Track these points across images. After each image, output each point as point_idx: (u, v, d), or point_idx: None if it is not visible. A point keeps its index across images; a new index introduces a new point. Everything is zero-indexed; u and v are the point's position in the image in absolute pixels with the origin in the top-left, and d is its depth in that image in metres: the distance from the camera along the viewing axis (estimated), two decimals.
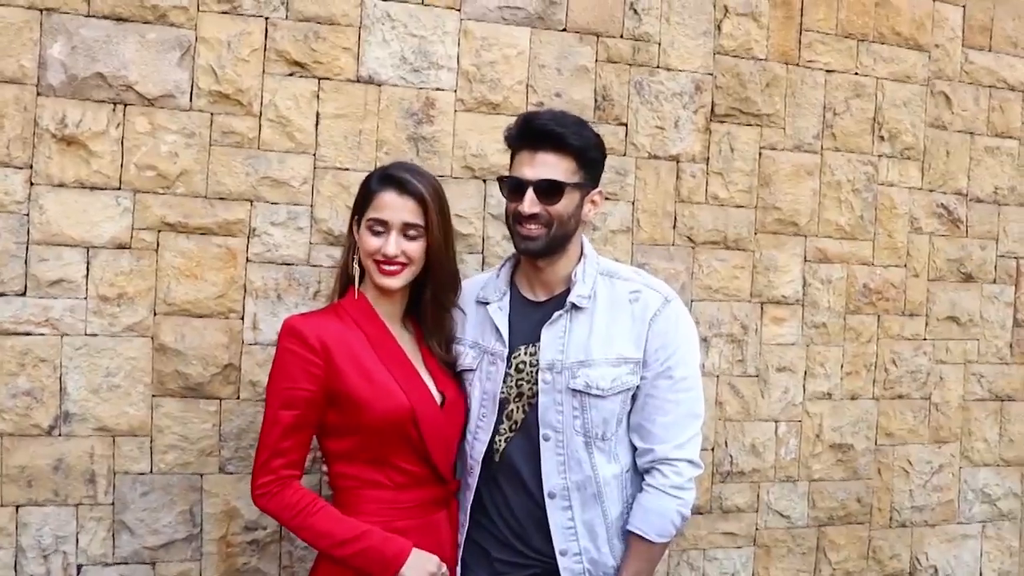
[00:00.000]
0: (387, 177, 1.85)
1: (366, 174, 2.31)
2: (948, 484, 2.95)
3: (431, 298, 1.94)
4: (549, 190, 1.84)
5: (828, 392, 2.78)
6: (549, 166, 1.85)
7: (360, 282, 1.90)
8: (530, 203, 1.84)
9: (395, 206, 1.83)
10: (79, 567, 2.23)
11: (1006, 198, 2.98)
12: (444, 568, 1.84)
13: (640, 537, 1.90)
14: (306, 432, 1.82)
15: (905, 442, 2.89)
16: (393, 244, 1.81)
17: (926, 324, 2.89)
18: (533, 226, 1.86)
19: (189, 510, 2.28)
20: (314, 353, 1.78)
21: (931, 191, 2.89)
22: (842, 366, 2.79)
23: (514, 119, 1.96)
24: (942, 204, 2.90)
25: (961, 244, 2.93)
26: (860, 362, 2.81)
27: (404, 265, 1.84)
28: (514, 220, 1.89)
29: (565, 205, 1.86)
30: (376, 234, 1.83)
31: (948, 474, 2.95)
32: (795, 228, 2.73)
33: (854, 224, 2.79)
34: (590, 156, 1.90)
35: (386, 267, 1.83)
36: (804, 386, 2.75)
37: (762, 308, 2.70)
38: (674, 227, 2.62)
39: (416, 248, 1.84)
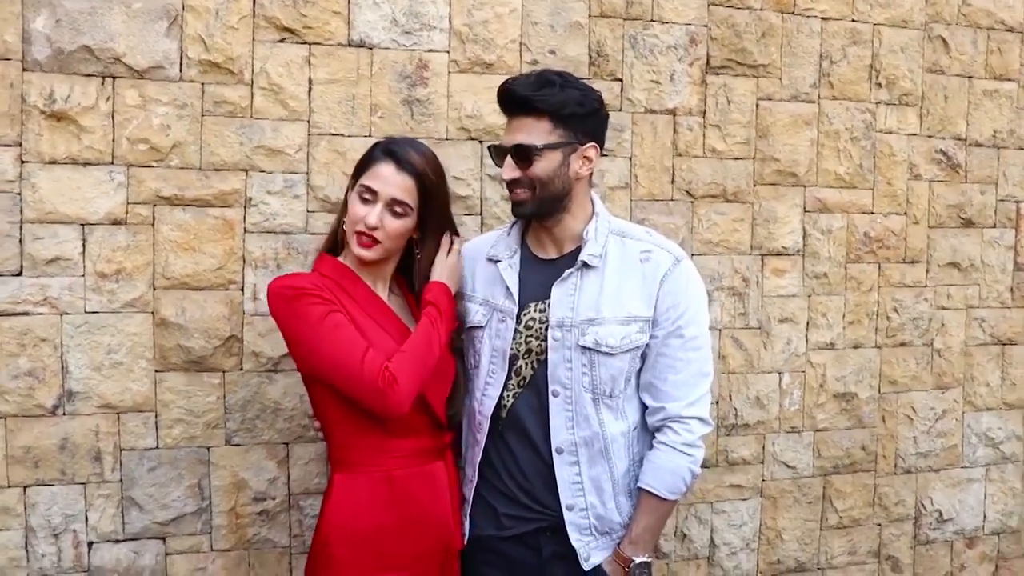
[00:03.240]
0: (389, 150, 1.90)
1: (361, 140, 2.37)
2: (951, 429, 3.03)
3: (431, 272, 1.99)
4: (520, 154, 1.89)
5: (831, 342, 2.85)
6: (523, 131, 1.90)
7: (342, 251, 1.96)
8: (508, 169, 1.91)
9: (389, 179, 1.87)
10: (90, 544, 2.29)
11: (1005, 141, 3.02)
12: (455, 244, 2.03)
13: (651, 494, 1.97)
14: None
15: (908, 389, 2.97)
16: (376, 215, 1.86)
17: (927, 271, 2.95)
18: (519, 190, 1.92)
19: (197, 483, 2.34)
20: (318, 289, 1.84)
21: (930, 137, 2.93)
22: (844, 315, 2.86)
23: (508, 78, 1.99)
24: (941, 150, 2.95)
25: (961, 189, 2.98)
26: (862, 311, 2.88)
27: (379, 241, 1.88)
28: (506, 186, 1.96)
29: (543, 167, 1.90)
30: (364, 202, 1.87)
31: (951, 419, 3.03)
32: (794, 179, 2.77)
33: (853, 173, 2.84)
34: (566, 113, 1.91)
35: (363, 238, 1.87)
36: (807, 337, 2.82)
37: (763, 260, 2.76)
38: (672, 181, 2.66)
39: (398, 226, 1.88)
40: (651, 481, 1.97)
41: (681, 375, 1.95)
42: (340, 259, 1.96)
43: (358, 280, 1.94)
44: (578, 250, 1.97)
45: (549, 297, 1.96)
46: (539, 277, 1.99)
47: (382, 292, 1.99)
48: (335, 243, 1.99)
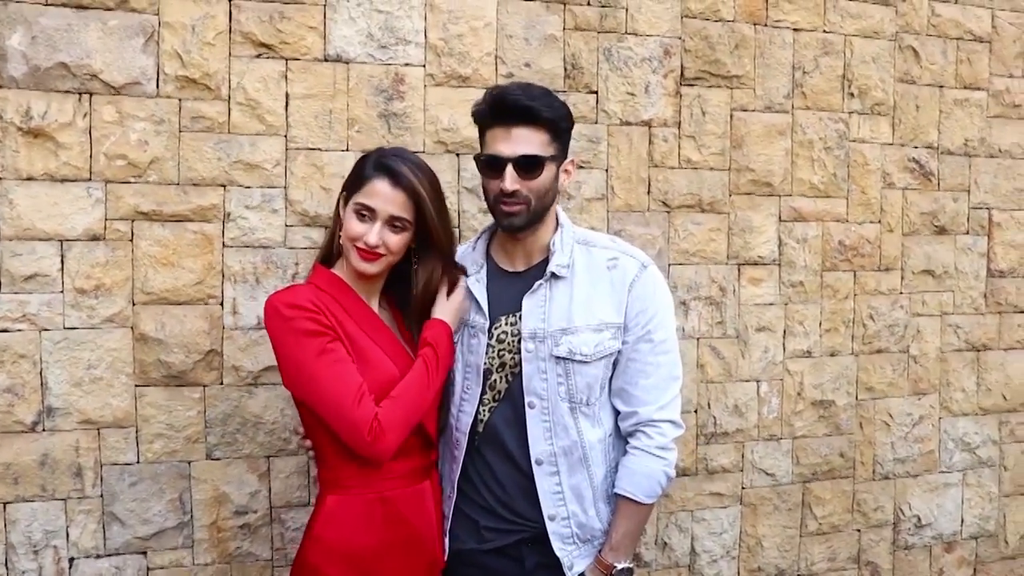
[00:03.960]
0: (383, 165, 1.88)
1: (339, 154, 2.38)
2: (928, 435, 3.07)
3: (427, 283, 1.99)
4: (528, 165, 1.89)
5: (808, 350, 2.89)
6: (525, 141, 1.89)
7: (336, 262, 1.96)
8: (511, 180, 1.88)
9: (385, 196, 1.85)
10: (71, 560, 2.29)
11: (976, 149, 3.08)
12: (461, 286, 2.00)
13: (628, 499, 1.99)
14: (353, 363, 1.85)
15: (885, 395, 3.00)
16: (376, 234, 1.85)
17: (902, 278, 3.00)
18: (515, 202, 1.91)
19: (178, 498, 2.34)
20: (320, 312, 1.83)
21: (902, 146, 2.98)
22: (820, 323, 2.90)
23: (484, 92, 1.99)
24: (913, 158, 2.99)
25: (933, 197, 3.03)
26: (838, 319, 2.92)
27: (382, 255, 1.88)
28: (495, 198, 1.93)
29: (544, 179, 1.92)
30: (361, 219, 1.86)
31: (928, 425, 3.07)
32: (769, 188, 2.81)
33: (827, 182, 2.88)
34: (562, 127, 1.96)
35: (365, 253, 1.87)
36: (784, 345, 2.85)
37: (739, 269, 2.79)
38: (648, 192, 2.69)
39: (398, 241, 1.88)
40: (627, 486, 1.99)
41: (651, 379, 1.98)
42: (335, 271, 1.95)
43: (353, 293, 1.94)
44: (545, 261, 1.99)
45: (519, 309, 1.97)
46: (508, 290, 2.01)
47: (374, 305, 2.00)
48: (329, 254, 1.99)
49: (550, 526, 1.98)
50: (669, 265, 2.71)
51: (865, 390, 2.97)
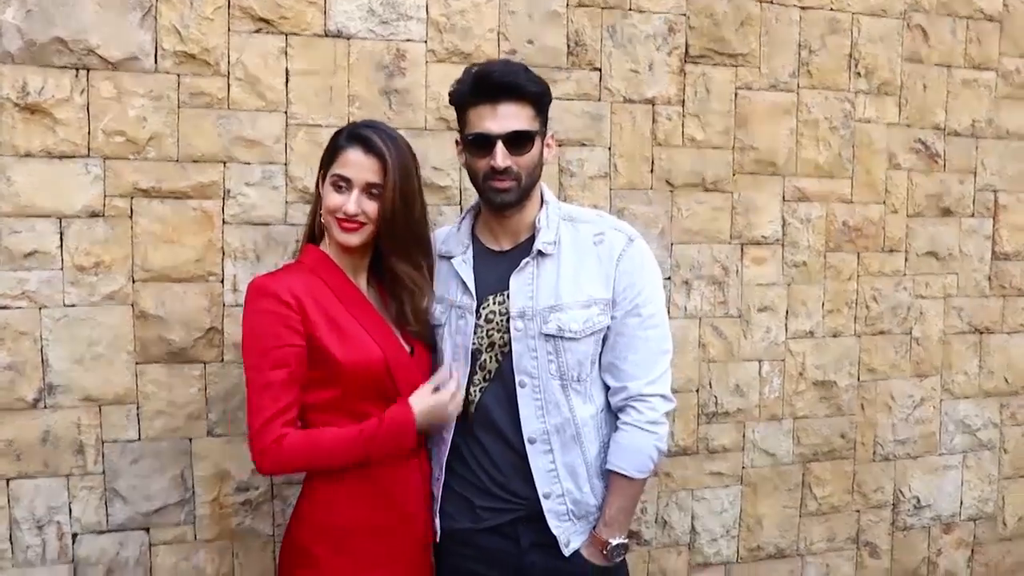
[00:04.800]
0: (354, 135, 1.89)
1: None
2: (929, 417, 3.07)
3: (395, 263, 1.97)
4: (518, 141, 1.90)
5: (810, 330, 2.88)
6: (512, 117, 1.89)
7: (321, 240, 1.97)
8: (502, 156, 1.88)
9: (359, 164, 1.87)
10: (74, 536, 2.30)
11: (983, 131, 3.05)
12: (451, 386, 1.96)
13: (620, 475, 2.00)
14: (298, 387, 1.88)
15: (887, 377, 3.00)
16: (354, 202, 1.86)
17: (906, 260, 2.98)
18: (506, 179, 1.91)
19: (180, 475, 2.35)
20: (291, 308, 1.84)
21: (908, 126, 2.95)
22: (823, 304, 2.89)
23: (473, 65, 1.98)
24: (920, 139, 2.97)
25: (939, 179, 3.01)
26: (841, 300, 2.91)
27: (363, 224, 1.89)
28: (484, 177, 1.93)
29: (533, 154, 1.93)
30: (339, 190, 1.88)
31: (929, 407, 3.07)
32: (773, 168, 2.79)
33: (832, 162, 2.86)
34: (545, 101, 1.97)
35: (346, 224, 1.88)
36: (786, 325, 2.85)
37: (742, 249, 2.78)
38: (652, 171, 2.68)
39: (375, 207, 1.88)
40: (619, 462, 2.00)
41: (641, 354, 1.98)
42: (322, 247, 1.96)
43: (339, 272, 1.95)
44: (531, 240, 1.99)
45: (507, 288, 1.97)
46: (495, 269, 2.01)
47: (361, 283, 2.00)
48: (312, 233, 2.00)
49: (545, 504, 1.99)
50: (672, 244, 2.70)
51: (867, 371, 2.97)
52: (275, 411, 1.83)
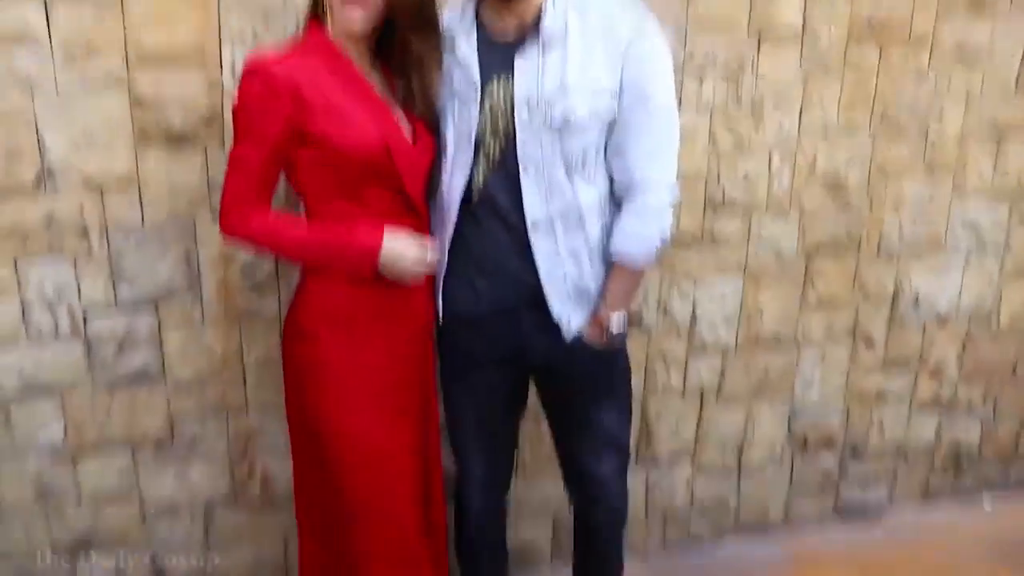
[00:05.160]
0: None
1: None
2: (938, 216, 3.06)
3: (405, 35, 1.92)
4: None
5: (824, 125, 2.80)
6: None
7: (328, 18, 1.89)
8: None
9: None
10: (85, 316, 2.37)
11: None
12: (427, 246, 1.99)
13: (623, 260, 2.03)
14: (275, 169, 1.90)
15: (899, 176, 2.96)
16: None
17: (930, 56, 2.85)
18: None
19: (185, 257, 2.38)
20: (282, 90, 1.80)
21: None
22: (840, 99, 2.79)
23: None
24: None
25: None
26: (858, 95, 2.81)
27: (367, 2, 1.82)
28: None
29: None
30: None
31: (939, 206, 3.05)
32: None
33: None
34: None
35: (349, 3, 1.81)
36: (800, 119, 2.77)
37: (759, 40, 2.65)
38: None
39: None
40: (621, 249, 2.03)
41: (648, 141, 1.96)
42: (326, 27, 1.89)
43: (340, 55, 1.89)
44: (536, 25, 1.91)
45: (511, 71, 1.92)
46: (499, 55, 1.94)
47: (364, 65, 1.94)
48: (316, 10, 1.92)
49: (547, 288, 2.04)
50: (687, 33, 2.58)
51: (879, 170, 2.92)
52: (246, 189, 1.87)
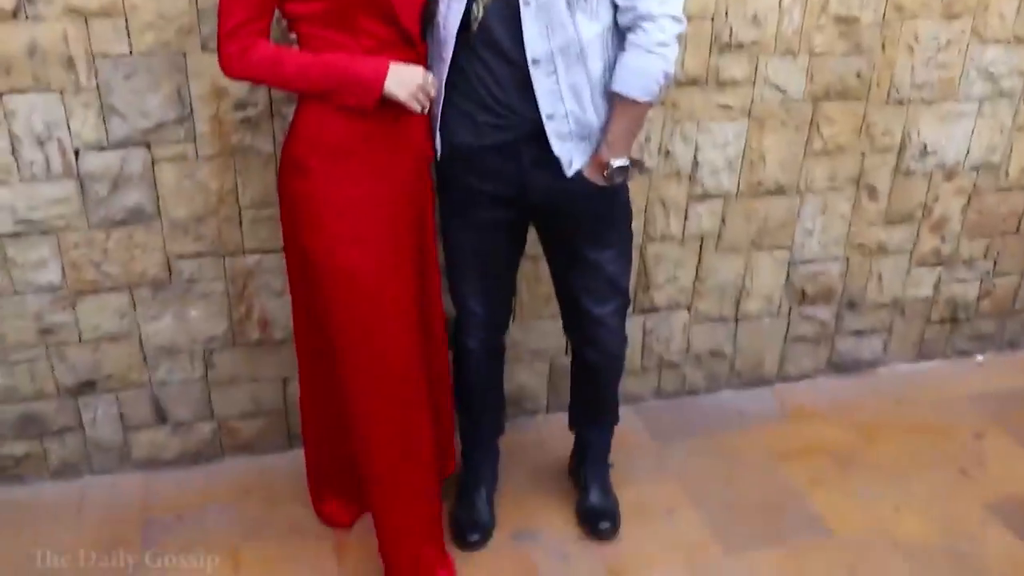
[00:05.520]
0: None
1: None
2: (953, 61, 2.97)
3: None
4: None
5: None
6: None
7: None
8: None
9: None
10: (76, 152, 2.34)
11: None
12: (430, 76, 1.94)
13: (625, 97, 1.99)
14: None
15: (915, 16, 2.86)
16: None
17: None
18: None
19: (176, 91, 2.33)
20: None
21: None
22: None
23: None
24: None
25: None
26: None
27: None
28: None
29: None
30: None
31: (955, 50, 2.95)
32: None
33: None
34: None
35: None
36: None
37: None
38: None
39: None
40: (624, 84, 1.99)
41: None
42: None
43: None
44: None
45: None
46: None
47: None
48: None
49: (548, 125, 2.00)
50: None
51: (894, 9, 2.82)
52: (245, 18, 1.82)
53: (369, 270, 2.02)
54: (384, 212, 2.03)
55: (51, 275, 2.45)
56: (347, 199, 1.98)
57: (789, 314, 3.23)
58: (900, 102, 2.97)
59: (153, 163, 2.39)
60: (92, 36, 2.22)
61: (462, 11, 1.94)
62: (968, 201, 3.24)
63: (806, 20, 2.73)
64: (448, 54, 2.00)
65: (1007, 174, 3.24)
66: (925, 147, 3.08)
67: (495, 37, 1.96)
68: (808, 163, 2.95)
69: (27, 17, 2.17)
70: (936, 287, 3.38)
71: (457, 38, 1.98)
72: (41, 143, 2.30)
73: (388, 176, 2.02)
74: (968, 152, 3.15)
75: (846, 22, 2.78)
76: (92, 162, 2.35)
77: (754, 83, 2.76)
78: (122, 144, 2.35)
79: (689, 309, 3.09)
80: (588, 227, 2.20)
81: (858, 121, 2.95)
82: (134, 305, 2.55)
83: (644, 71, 1.98)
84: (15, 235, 2.38)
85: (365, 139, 1.97)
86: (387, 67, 1.88)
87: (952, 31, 2.92)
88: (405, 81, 1.89)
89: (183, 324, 2.61)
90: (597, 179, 2.09)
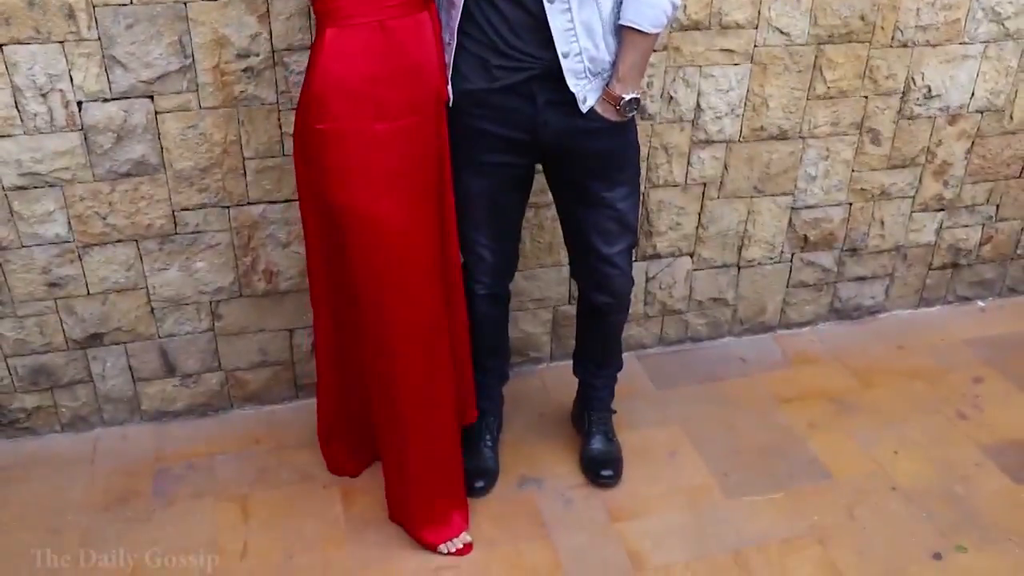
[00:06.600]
0: None
1: None
2: (958, 2, 3.00)
3: None
4: None
5: None
6: None
7: None
8: None
9: None
10: (79, 104, 2.38)
11: None
12: None
13: (634, 29, 2.05)
14: None
15: None
16: None
17: None
18: None
19: (178, 41, 2.37)
20: None
21: None
22: None
23: None
24: None
25: None
26: None
27: None
28: None
29: None
30: None
31: None
32: None
33: None
34: None
35: None
36: None
37: None
38: None
39: None
40: (633, 16, 2.04)
41: None
42: None
43: None
44: None
45: None
46: None
47: None
48: None
49: (564, 63, 2.06)
50: None
51: None
52: None
53: (396, 218, 2.07)
54: (404, 155, 2.07)
55: (58, 228, 2.51)
56: (368, 141, 2.01)
57: (791, 260, 3.30)
58: (904, 44, 3.01)
59: (156, 114, 2.44)
60: None
61: None
62: (972, 145, 3.29)
63: None
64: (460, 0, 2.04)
65: (1011, 117, 3.29)
66: (929, 90, 3.12)
67: None
68: (811, 107, 3.00)
69: None
70: (938, 232, 3.45)
71: None
72: (44, 95, 2.35)
73: (408, 111, 2.05)
74: (972, 95, 3.19)
75: None
76: (95, 114, 2.40)
77: (756, 27, 2.79)
78: (125, 95, 2.40)
79: (692, 256, 3.16)
80: (599, 165, 2.25)
81: (862, 65, 2.99)
82: (140, 257, 2.61)
83: (651, 3, 2.04)
84: (21, 188, 2.43)
85: (386, 76, 1.99)
86: None
87: None
88: None
89: (189, 276, 2.67)
90: (610, 114, 2.15)
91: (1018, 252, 3.61)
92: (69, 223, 2.51)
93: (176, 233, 2.61)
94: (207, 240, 2.64)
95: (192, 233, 2.62)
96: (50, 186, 2.45)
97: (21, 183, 2.42)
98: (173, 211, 2.57)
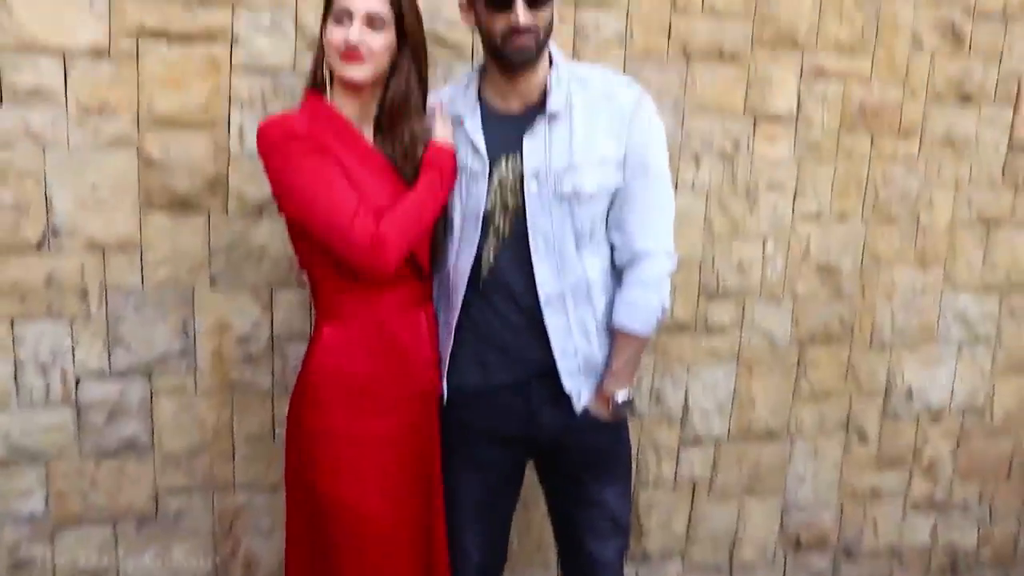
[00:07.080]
0: None
1: None
2: (929, 307, 3.18)
3: (401, 92, 2.01)
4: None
5: (817, 212, 2.95)
6: None
7: (329, 88, 1.99)
8: (524, 14, 1.92)
9: None
10: (77, 380, 2.42)
11: (1016, 15, 3.02)
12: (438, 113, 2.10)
13: (627, 331, 2.12)
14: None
15: (891, 264, 3.09)
16: (356, 31, 1.90)
17: (920, 145, 3.02)
18: (527, 37, 1.94)
19: (182, 324, 2.46)
20: (310, 136, 1.90)
21: (937, 6, 2.94)
22: (833, 186, 2.95)
23: None
24: (947, 19, 2.97)
25: (962, 64, 3.02)
26: (851, 182, 2.97)
27: (364, 57, 1.92)
28: (503, 36, 1.96)
29: (550, 10, 1.98)
30: (340, 23, 1.92)
31: (930, 297, 3.17)
32: (793, 42, 2.82)
33: (854, 39, 2.87)
34: None
35: (348, 55, 1.91)
36: (794, 205, 2.92)
37: (755, 124, 2.82)
38: (668, 38, 2.70)
39: (379, 41, 1.93)
40: (625, 319, 2.12)
41: (647, 211, 2.09)
42: (326, 98, 1.99)
43: (346, 123, 1.98)
44: (541, 101, 2.04)
45: (519, 149, 2.03)
46: (505, 132, 2.05)
47: (368, 135, 2.04)
48: (315, 82, 2.01)
49: (560, 363, 2.11)
50: (684, 115, 2.75)
51: (871, 257, 3.06)
52: (357, 202, 1.90)
53: (377, 509, 2.05)
54: (395, 452, 2.08)
55: (35, 503, 2.45)
56: (360, 437, 2.04)
57: (785, 563, 3.22)
58: (883, 346, 3.14)
59: (152, 394, 2.47)
60: (108, 269, 2.38)
61: (473, 258, 2.10)
62: (957, 444, 3.34)
63: (789, 267, 2.95)
64: (458, 299, 2.13)
65: (992, 417, 3.36)
66: (910, 390, 3.22)
67: (506, 280, 2.10)
68: (797, 407, 3.07)
69: (50, 248, 2.33)
70: (933, 534, 3.40)
71: (467, 285, 2.12)
72: (44, 370, 2.39)
73: (393, 411, 2.09)
74: (953, 394, 3.28)
75: (827, 269, 3.01)
76: (92, 391, 2.43)
77: (741, 328, 2.93)
78: (123, 374, 2.44)
79: (682, 558, 3.08)
80: (594, 465, 2.25)
81: (843, 365, 3.10)
82: (116, 540, 2.53)
83: (644, 306, 2.13)
84: (4, 461, 2.40)
85: (377, 376, 2.05)
86: (447, 145, 2.05)
87: (926, 278, 3.14)
88: (449, 135, 2.07)
89: (165, 561, 2.58)
90: (602, 413, 2.18)
91: (1018, 555, 3.54)
92: (47, 500, 2.46)
93: (156, 516, 2.54)
94: (187, 525, 2.57)
95: (173, 517, 2.55)
96: (34, 462, 2.42)
97: (4, 457, 2.40)
98: (156, 493, 2.53)
